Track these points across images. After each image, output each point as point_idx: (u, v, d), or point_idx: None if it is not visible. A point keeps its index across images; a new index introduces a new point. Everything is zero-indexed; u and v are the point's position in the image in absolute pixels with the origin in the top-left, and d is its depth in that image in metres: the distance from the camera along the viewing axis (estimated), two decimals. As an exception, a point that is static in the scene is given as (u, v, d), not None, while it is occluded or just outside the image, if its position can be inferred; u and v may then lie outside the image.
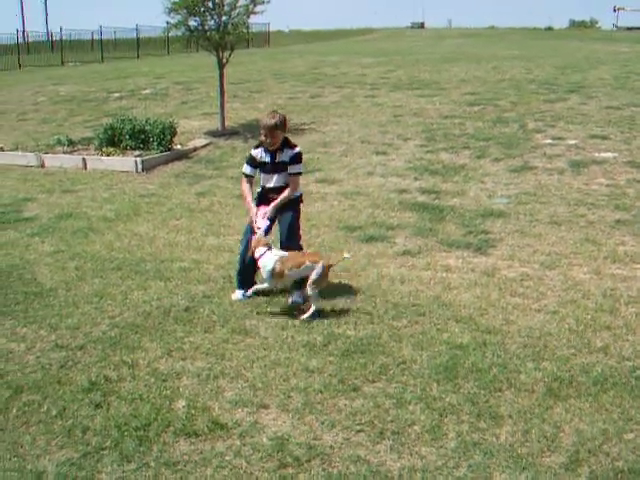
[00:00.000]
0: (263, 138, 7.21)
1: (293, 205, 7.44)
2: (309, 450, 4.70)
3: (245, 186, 7.49)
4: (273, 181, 7.37)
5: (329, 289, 7.42)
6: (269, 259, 6.93)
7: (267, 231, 7.25)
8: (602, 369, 5.69)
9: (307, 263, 6.86)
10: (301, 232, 7.62)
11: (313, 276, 6.74)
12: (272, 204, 7.30)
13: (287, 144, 7.30)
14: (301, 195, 7.61)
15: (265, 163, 7.35)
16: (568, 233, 9.18)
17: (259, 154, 7.37)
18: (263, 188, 7.50)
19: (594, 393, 5.33)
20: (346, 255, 7.20)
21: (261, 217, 7.27)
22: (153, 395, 5.42)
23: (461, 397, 5.31)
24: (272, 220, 7.36)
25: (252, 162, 7.44)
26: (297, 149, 7.32)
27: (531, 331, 6.42)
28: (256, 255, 6.99)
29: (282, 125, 7.18)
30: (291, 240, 7.37)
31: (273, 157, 7.27)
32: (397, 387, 5.48)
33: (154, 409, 5.21)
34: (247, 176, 7.49)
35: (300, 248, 7.43)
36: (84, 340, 6.41)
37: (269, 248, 7.02)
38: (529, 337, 6.30)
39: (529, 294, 7.32)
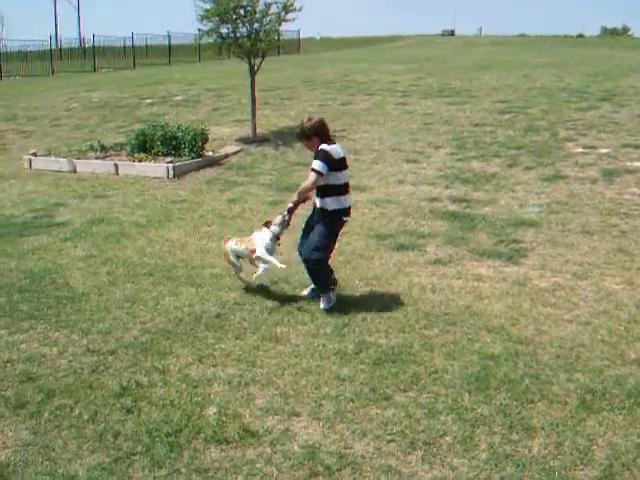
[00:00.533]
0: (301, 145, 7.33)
1: (324, 218, 7.24)
2: (340, 459, 4.69)
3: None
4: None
5: (361, 297, 7.43)
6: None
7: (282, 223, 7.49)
8: (636, 381, 5.63)
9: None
10: (331, 253, 7.51)
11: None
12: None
13: (319, 153, 7.08)
14: (335, 212, 7.20)
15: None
16: (600, 243, 9.11)
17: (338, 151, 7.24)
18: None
19: (628, 406, 5.28)
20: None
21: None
22: (184, 401, 5.43)
23: (493, 408, 5.27)
24: (290, 211, 7.45)
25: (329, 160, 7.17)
26: (324, 146, 7.06)
27: (563, 342, 6.37)
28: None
29: (306, 133, 7.20)
30: (309, 253, 7.27)
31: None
32: (429, 397, 5.45)
33: (185, 415, 5.23)
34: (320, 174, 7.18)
35: (318, 265, 7.31)
36: (116, 345, 6.45)
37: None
38: (561, 348, 6.25)
39: (561, 304, 7.26)
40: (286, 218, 7.44)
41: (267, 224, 7.61)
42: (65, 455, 4.80)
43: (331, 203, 7.15)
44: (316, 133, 7.14)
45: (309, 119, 7.21)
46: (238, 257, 7.71)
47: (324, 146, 7.06)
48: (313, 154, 7.14)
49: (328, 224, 7.21)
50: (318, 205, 7.25)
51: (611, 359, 6.05)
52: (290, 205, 7.41)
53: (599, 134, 14.67)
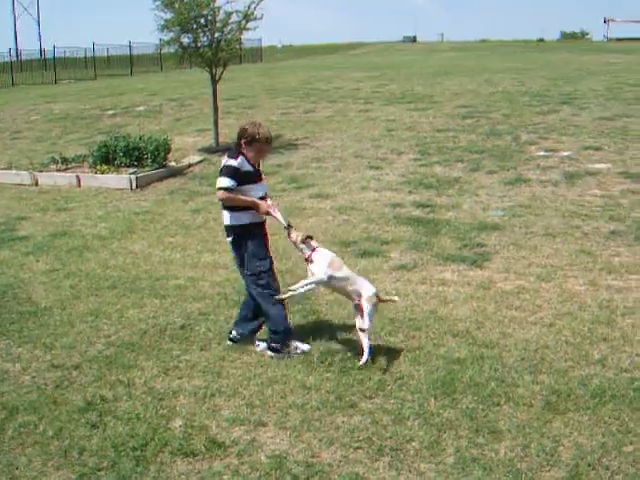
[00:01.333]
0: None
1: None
2: (307, 468, 4.68)
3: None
4: (263, 191, 6.56)
5: (325, 305, 7.43)
6: (325, 255, 6.31)
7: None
8: (600, 381, 5.68)
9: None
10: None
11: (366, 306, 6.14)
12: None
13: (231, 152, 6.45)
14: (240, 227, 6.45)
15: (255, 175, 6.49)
16: (563, 245, 9.19)
17: (246, 166, 6.38)
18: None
19: (592, 406, 5.32)
20: (396, 298, 6.75)
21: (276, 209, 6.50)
22: (150, 414, 5.39)
23: (459, 412, 5.29)
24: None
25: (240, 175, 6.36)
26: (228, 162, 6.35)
27: (528, 344, 6.41)
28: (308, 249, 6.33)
29: (238, 137, 6.42)
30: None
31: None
32: (395, 403, 5.46)
33: (151, 429, 5.18)
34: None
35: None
36: (80, 359, 6.39)
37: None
38: (526, 350, 6.29)
39: (525, 307, 7.31)
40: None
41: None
42: (29, 473, 4.75)
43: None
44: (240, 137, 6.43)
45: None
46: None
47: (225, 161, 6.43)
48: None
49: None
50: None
51: (575, 360, 6.10)
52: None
53: (560, 137, 14.82)
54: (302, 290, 6.26)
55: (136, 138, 14.68)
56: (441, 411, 5.31)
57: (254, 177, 6.43)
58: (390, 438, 5.00)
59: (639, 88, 20.65)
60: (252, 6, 15.23)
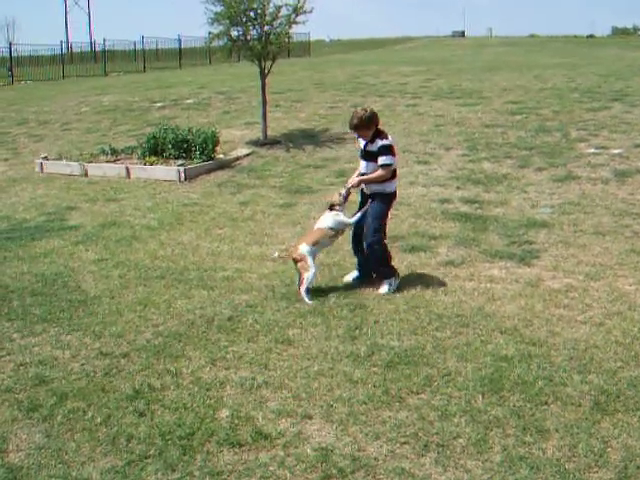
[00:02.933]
0: (355, 135, 8.07)
1: (382, 198, 7.84)
2: (353, 461, 4.69)
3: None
4: (363, 168, 7.87)
5: (373, 299, 7.43)
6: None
7: (345, 197, 7.95)
8: (650, 383, 5.61)
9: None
10: (387, 229, 8.08)
11: None
12: (358, 178, 7.91)
13: (379, 135, 7.70)
14: (394, 193, 8.01)
15: (360, 150, 7.93)
16: (613, 244, 9.07)
17: (360, 140, 7.92)
18: (360, 173, 7.96)
19: (642, 407, 5.25)
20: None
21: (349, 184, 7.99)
22: (197, 404, 5.44)
23: (506, 410, 5.25)
24: (348, 194, 7.95)
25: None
26: (386, 141, 7.65)
27: (577, 343, 6.34)
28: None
29: (364, 123, 7.66)
30: (369, 235, 7.76)
31: (365, 145, 7.79)
32: (442, 399, 5.44)
33: (198, 418, 5.23)
34: None
35: (381, 247, 7.86)
36: (128, 348, 6.46)
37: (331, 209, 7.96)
38: (575, 349, 6.22)
39: (574, 305, 7.23)
40: (345, 194, 7.96)
41: (331, 208, 7.97)
42: (78, 458, 4.81)
43: (389, 186, 7.84)
44: (369, 125, 7.70)
45: (364, 110, 7.76)
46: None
47: (388, 141, 7.68)
48: (363, 147, 7.84)
49: (385, 205, 7.88)
50: (374, 190, 7.84)
51: (625, 360, 6.02)
52: (352, 184, 7.95)
53: (611, 134, 14.61)
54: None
55: (184, 130, 14.77)
56: (488, 408, 5.28)
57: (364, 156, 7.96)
58: (436, 434, 4.98)
59: (693, 86, 20.28)
60: (302, 0, 15.25)
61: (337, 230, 7.91)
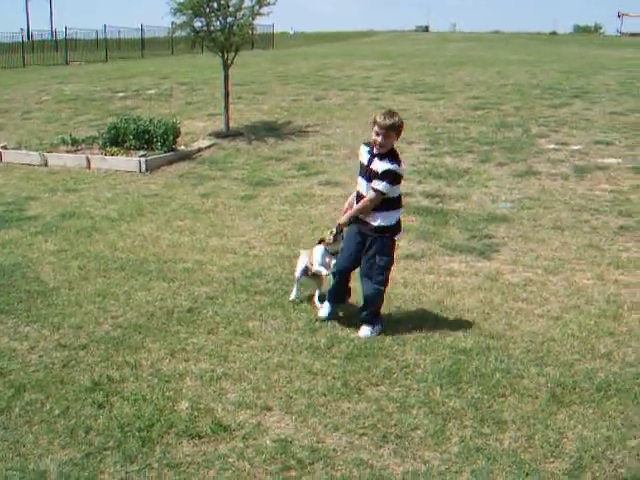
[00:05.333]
0: (375, 137, 6.22)
1: (381, 239, 6.49)
2: (312, 453, 4.70)
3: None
4: (363, 189, 6.44)
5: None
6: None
7: (335, 236, 6.81)
8: (605, 375, 5.69)
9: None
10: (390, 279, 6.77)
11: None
12: (347, 214, 6.63)
13: (391, 154, 6.32)
14: (393, 230, 6.54)
15: (361, 164, 6.49)
16: (572, 238, 9.18)
17: (361, 152, 6.52)
18: (357, 192, 6.61)
19: (597, 399, 5.33)
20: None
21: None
22: (156, 396, 5.41)
23: (464, 402, 5.31)
24: (339, 230, 6.75)
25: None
26: (392, 166, 6.23)
27: (534, 336, 6.42)
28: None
29: (398, 129, 6.25)
30: (369, 280, 6.56)
31: (370, 161, 6.35)
32: (400, 391, 5.48)
33: (157, 410, 5.21)
34: None
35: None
36: (87, 340, 6.42)
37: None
38: (532, 342, 6.31)
39: (532, 299, 7.32)
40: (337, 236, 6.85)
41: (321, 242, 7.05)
42: (36, 450, 4.77)
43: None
44: (398, 134, 6.32)
45: (393, 112, 6.31)
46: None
47: (395, 167, 6.29)
48: (367, 163, 6.39)
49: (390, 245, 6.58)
50: (374, 223, 6.46)
51: (581, 353, 6.11)
52: (344, 220, 6.68)
53: (571, 131, 14.79)
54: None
55: (146, 121, 14.65)
56: (446, 400, 5.33)
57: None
58: (395, 425, 5.02)
59: (652, 83, 20.57)
60: (265, -9, 15.22)
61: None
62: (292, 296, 7.23)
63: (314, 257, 7.02)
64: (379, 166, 6.24)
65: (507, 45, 44.11)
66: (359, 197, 6.50)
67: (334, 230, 6.82)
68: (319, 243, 7.06)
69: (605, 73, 23.18)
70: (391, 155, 6.29)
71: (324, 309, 6.84)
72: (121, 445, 4.80)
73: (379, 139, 6.18)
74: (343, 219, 6.65)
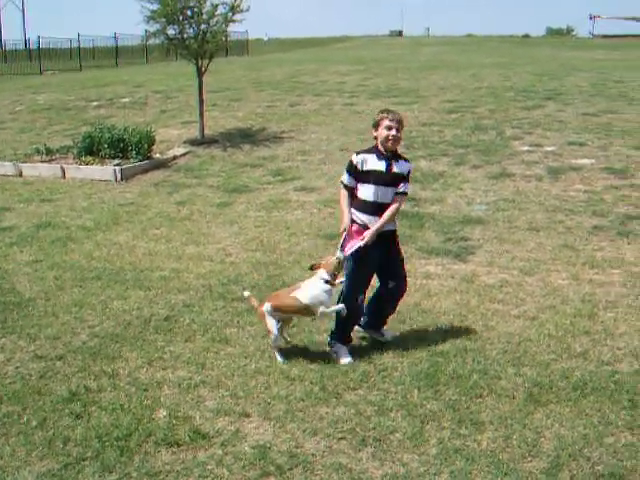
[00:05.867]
0: (388, 132, 5.99)
1: (397, 241, 6.42)
2: (291, 458, 4.71)
3: (344, 197, 6.23)
4: (373, 196, 6.07)
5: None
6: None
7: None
8: (582, 374, 5.74)
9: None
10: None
11: None
12: (374, 227, 6.04)
13: (399, 155, 6.24)
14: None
15: (379, 172, 6.06)
16: (546, 239, 9.25)
17: (366, 161, 6.08)
18: (365, 203, 6.12)
19: (574, 398, 5.37)
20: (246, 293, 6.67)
21: (355, 237, 6.11)
22: (134, 405, 5.40)
23: (442, 404, 5.33)
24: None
25: (353, 171, 6.14)
26: (411, 165, 6.32)
27: (511, 337, 6.46)
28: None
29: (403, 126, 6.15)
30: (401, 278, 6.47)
31: (389, 165, 6.06)
32: (378, 394, 5.49)
33: (135, 419, 5.19)
34: (346, 187, 6.20)
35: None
36: (64, 350, 6.38)
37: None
38: (509, 343, 6.34)
39: (508, 300, 7.36)
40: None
41: (312, 267, 6.31)
42: (13, 462, 4.74)
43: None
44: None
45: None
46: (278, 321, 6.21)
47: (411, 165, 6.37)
48: (385, 169, 6.07)
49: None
50: (391, 228, 6.29)
51: (558, 353, 6.16)
52: (368, 241, 6.07)
53: (545, 132, 14.88)
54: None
55: (121, 130, 14.62)
56: (424, 402, 5.35)
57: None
58: (373, 429, 5.03)
59: (623, 84, 20.74)
60: (239, -2, 15.22)
61: (311, 307, 6.11)
62: (280, 360, 6.09)
63: (315, 298, 6.05)
64: (402, 168, 6.12)
65: (480, 48, 44.32)
66: (373, 207, 6.07)
67: (340, 257, 6.13)
68: (311, 268, 6.31)
69: (577, 75, 23.34)
70: (399, 155, 6.22)
71: (346, 357, 6.16)
72: (99, 455, 4.78)
73: (394, 133, 5.98)
74: (370, 237, 6.01)
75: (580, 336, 6.48)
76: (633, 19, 69.27)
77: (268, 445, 4.86)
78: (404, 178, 6.12)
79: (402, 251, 6.54)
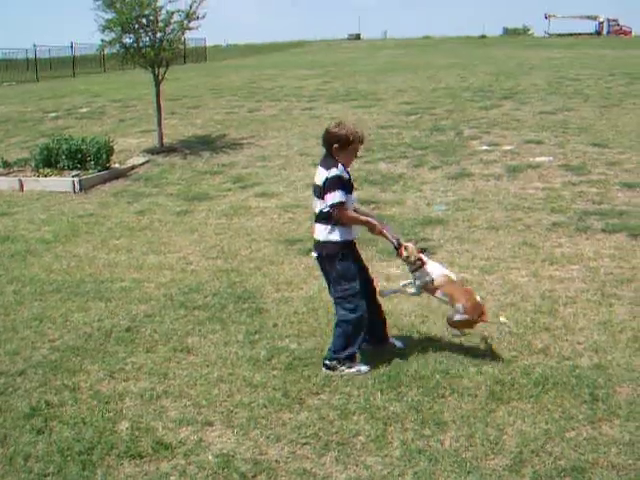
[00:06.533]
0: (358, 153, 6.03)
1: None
2: (255, 465, 4.70)
3: (351, 214, 5.90)
4: (354, 202, 6.09)
5: (272, 303, 7.44)
6: (436, 267, 6.37)
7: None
8: (543, 370, 5.79)
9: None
10: None
11: (454, 315, 6.20)
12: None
13: None
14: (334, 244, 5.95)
15: (350, 182, 5.94)
16: (506, 237, 9.32)
17: (344, 173, 5.84)
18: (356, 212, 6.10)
19: (535, 394, 5.42)
20: (503, 319, 6.60)
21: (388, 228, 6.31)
22: (96, 418, 5.35)
23: (405, 405, 5.35)
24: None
25: (346, 184, 5.83)
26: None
27: (472, 336, 6.48)
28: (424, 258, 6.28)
29: None
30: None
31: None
32: (341, 398, 5.49)
33: (97, 432, 5.15)
34: (342, 204, 5.75)
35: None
36: (24, 365, 6.31)
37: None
38: (470, 342, 6.37)
39: (469, 299, 7.39)
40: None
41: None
42: (-27, 481, 4.69)
43: None
44: None
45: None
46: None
47: None
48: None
49: None
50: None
51: (518, 350, 6.20)
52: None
53: (502, 131, 15.03)
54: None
55: (78, 140, 14.51)
56: (387, 405, 5.36)
57: (351, 187, 5.92)
58: (336, 433, 5.03)
59: (579, 82, 21.03)
60: (194, 5, 15.16)
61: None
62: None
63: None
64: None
65: (437, 50, 44.59)
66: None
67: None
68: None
69: (534, 74, 23.61)
70: None
71: (361, 365, 6.03)
72: (61, 470, 4.73)
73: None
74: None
75: (540, 332, 6.53)
76: (587, 17, 69.98)
77: (232, 453, 4.85)
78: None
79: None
